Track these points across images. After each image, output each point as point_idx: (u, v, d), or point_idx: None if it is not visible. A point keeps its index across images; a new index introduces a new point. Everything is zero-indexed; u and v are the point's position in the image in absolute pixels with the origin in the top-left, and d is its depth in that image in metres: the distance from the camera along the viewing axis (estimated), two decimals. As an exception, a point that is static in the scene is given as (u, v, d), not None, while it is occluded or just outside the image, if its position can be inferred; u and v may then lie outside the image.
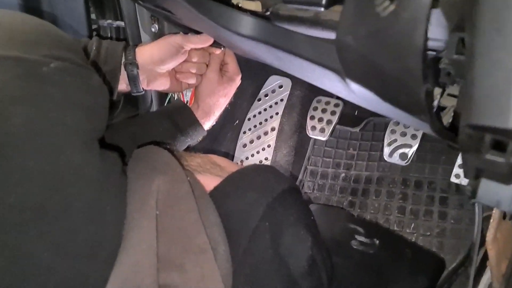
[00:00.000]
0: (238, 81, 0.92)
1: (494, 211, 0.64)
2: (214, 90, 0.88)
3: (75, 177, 0.43)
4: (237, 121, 1.25)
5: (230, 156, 1.23)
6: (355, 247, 0.86)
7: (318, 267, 0.57)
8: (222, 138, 1.24)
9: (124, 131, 0.81)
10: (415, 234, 1.00)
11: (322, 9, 0.57)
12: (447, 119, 0.51)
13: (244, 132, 1.23)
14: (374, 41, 0.38)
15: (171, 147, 0.63)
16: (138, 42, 1.05)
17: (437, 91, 0.51)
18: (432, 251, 0.87)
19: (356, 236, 0.89)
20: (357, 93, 0.49)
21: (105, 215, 0.47)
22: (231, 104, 1.20)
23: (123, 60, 0.83)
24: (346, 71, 0.47)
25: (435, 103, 0.47)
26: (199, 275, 0.47)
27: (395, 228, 1.02)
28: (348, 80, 0.48)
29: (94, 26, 1.17)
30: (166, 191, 0.51)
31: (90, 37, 1.13)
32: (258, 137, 1.22)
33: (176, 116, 0.84)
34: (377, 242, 0.87)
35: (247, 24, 0.63)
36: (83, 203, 0.44)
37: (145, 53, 0.85)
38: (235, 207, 0.56)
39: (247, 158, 1.22)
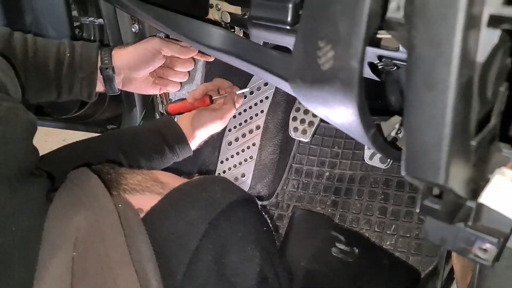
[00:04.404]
0: (227, 120, 0.94)
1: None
2: (206, 123, 0.89)
3: None
4: (222, 119, 1.24)
5: (215, 154, 1.23)
6: (335, 254, 0.87)
7: (269, 283, 0.56)
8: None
9: (114, 142, 0.80)
10: (395, 236, 1.00)
11: (288, 27, 0.57)
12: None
13: (230, 130, 1.23)
14: (318, 90, 0.37)
15: (107, 168, 0.61)
16: (118, 42, 1.03)
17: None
18: (408, 263, 0.88)
19: (337, 244, 0.89)
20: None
21: (11, 263, 0.44)
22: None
23: (99, 64, 0.82)
24: (299, 98, 0.46)
25: (392, 133, 0.47)
26: None
27: (376, 229, 1.03)
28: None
29: (76, 24, 1.15)
30: (88, 227, 0.48)
31: (73, 35, 1.12)
32: (243, 135, 1.22)
33: (166, 133, 0.84)
34: (357, 251, 0.88)
35: (212, 36, 0.62)
36: None
37: (122, 58, 0.85)
38: (172, 229, 0.52)
39: (232, 156, 1.22)
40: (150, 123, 0.92)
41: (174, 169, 0.89)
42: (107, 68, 0.82)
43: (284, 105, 1.19)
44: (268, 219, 0.65)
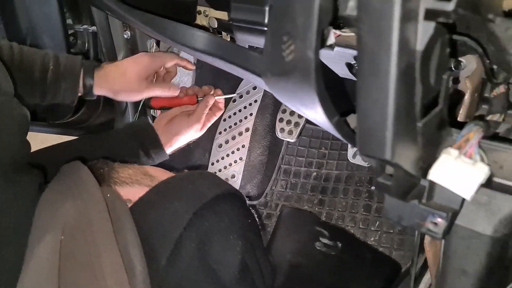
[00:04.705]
0: (206, 128, 0.92)
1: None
2: (184, 130, 0.87)
3: None
4: (212, 122, 1.28)
5: (206, 156, 1.27)
6: (318, 248, 0.90)
7: (250, 272, 0.58)
8: (199, 139, 1.27)
9: (89, 145, 0.82)
10: (379, 232, 1.04)
11: (265, 28, 0.61)
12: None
13: (220, 133, 1.27)
14: (284, 81, 0.41)
15: (101, 163, 0.64)
16: (111, 48, 1.08)
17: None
18: (389, 257, 0.92)
19: (321, 238, 0.93)
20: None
21: (3, 246, 0.47)
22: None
23: (81, 83, 0.81)
24: (272, 92, 0.50)
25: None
26: None
27: (361, 226, 1.06)
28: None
29: (71, 31, 1.19)
30: (76, 214, 0.51)
31: (67, 42, 1.16)
32: (233, 138, 1.26)
33: (143, 137, 0.84)
34: (340, 245, 0.92)
35: (196, 39, 0.66)
36: None
37: (104, 84, 0.82)
38: (158, 218, 0.55)
39: (222, 158, 1.26)
40: (128, 126, 0.91)
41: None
42: (89, 87, 0.82)
43: (272, 108, 1.24)
44: (255, 215, 0.68)
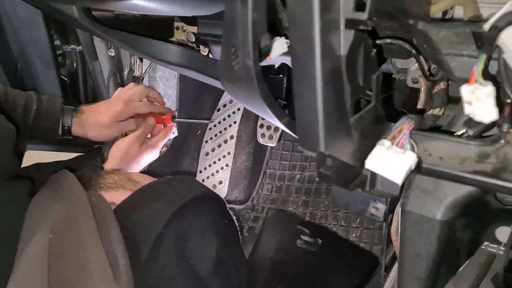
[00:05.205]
0: (154, 155, 0.94)
1: (397, 207, 0.72)
2: (138, 156, 0.90)
3: None
4: (199, 131, 1.33)
5: (194, 164, 1.31)
6: (299, 245, 0.95)
7: (225, 267, 0.63)
8: (187, 148, 1.32)
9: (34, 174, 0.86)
10: (360, 228, 1.08)
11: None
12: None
13: (206, 142, 1.32)
14: (236, 87, 0.46)
15: (90, 171, 0.70)
16: (96, 67, 1.13)
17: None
18: (368, 251, 0.96)
19: (302, 236, 0.97)
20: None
21: None
22: (194, 115, 1.29)
23: (60, 129, 0.88)
24: (231, 96, 0.55)
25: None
26: None
27: (343, 224, 1.11)
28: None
29: (59, 52, 1.25)
30: (64, 215, 0.56)
31: (56, 63, 1.21)
32: (219, 145, 1.31)
33: (86, 163, 0.88)
34: (320, 241, 0.96)
35: (167, 52, 0.72)
36: None
37: (79, 130, 0.89)
38: (139, 218, 0.60)
39: (209, 166, 1.31)
40: (79, 158, 0.95)
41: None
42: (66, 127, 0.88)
43: (254, 115, 1.29)
44: (233, 216, 0.73)
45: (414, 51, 0.50)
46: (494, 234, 0.58)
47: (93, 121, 0.90)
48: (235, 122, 1.30)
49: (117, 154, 0.89)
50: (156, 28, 0.96)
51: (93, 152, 0.94)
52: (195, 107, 1.28)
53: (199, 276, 0.60)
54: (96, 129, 0.89)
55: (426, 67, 0.54)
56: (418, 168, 0.44)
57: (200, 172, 1.31)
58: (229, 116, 1.31)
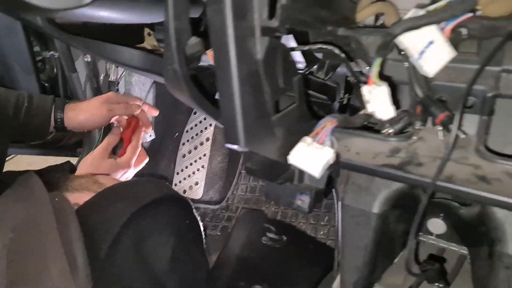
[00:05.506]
0: (129, 173, 0.91)
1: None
2: (94, 166, 0.87)
3: None
4: (177, 134, 1.37)
5: (171, 166, 1.35)
6: (264, 242, 0.98)
7: (181, 265, 0.67)
8: (165, 150, 1.36)
9: None
10: (328, 226, 1.12)
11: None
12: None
13: (183, 144, 1.36)
14: (173, 88, 0.49)
15: (58, 174, 0.73)
16: (72, 73, 1.17)
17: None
18: (329, 245, 0.99)
19: (268, 234, 1.01)
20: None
21: None
22: (171, 118, 1.33)
23: (52, 122, 0.89)
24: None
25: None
26: None
27: (312, 222, 1.14)
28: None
29: (39, 58, 1.29)
30: (25, 216, 0.60)
31: (36, 68, 1.25)
32: (195, 148, 1.34)
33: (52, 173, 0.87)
34: (285, 238, 1.00)
35: (128, 56, 0.76)
36: None
37: (73, 120, 0.90)
38: (100, 218, 0.63)
39: (186, 167, 1.34)
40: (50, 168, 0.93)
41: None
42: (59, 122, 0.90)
43: (229, 118, 1.32)
44: (198, 217, 0.77)
45: (343, 55, 0.54)
46: (426, 226, 0.61)
47: (84, 104, 0.91)
48: (210, 125, 1.33)
49: (84, 165, 0.89)
50: (126, 34, 1.00)
51: (64, 164, 0.95)
52: (172, 111, 1.32)
53: (155, 273, 0.63)
54: (87, 110, 0.90)
55: (359, 70, 0.57)
56: (338, 162, 0.48)
57: (178, 173, 1.34)
58: (204, 118, 1.35)
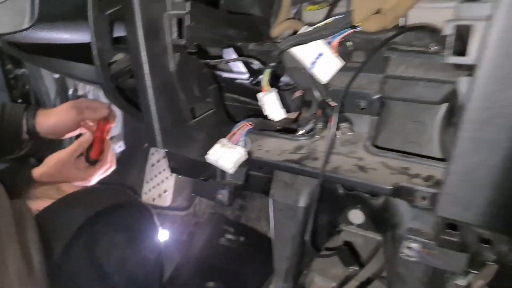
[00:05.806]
0: (107, 166, 0.91)
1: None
2: (59, 163, 0.86)
3: None
4: (146, 144, 1.42)
5: (141, 175, 1.41)
6: (222, 243, 1.04)
7: (132, 266, 0.73)
8: (134, 160, 1.42)
9: None
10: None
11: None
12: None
13: (152, 154, 1.41)
14: (105, 93, 0.56)
15: (23, 183, 0.79)
16: (42, 89, 1.23)
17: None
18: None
19: (226, 235, 1.07)
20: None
21: None
22: (140, 129, 1.39)
23: (25, 127, 0.90)
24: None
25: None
26: None
27: (272, 223, 1.20)
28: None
29: (11, 76, 1.34)
30: None
31: (8, 85, 1.30)
32: (164, 157, 1.40)
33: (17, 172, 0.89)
34: (242, 238, 1.06)
35: (81, 71, 0.82)
36: None
37: (44, 124, 0.91)
38: (56, 222, 0.69)
39: (155, 176, 1.40)
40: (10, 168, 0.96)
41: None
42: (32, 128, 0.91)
43: (195, 127, 1.39)
44: (156, 222, 0.82)
45: (262, 66, 0.61)
46: (347, 217, 0.68)
47: (55, 109, 0.92)
48: (177, 135, 1.39)
49: (50, 160, 0.89)
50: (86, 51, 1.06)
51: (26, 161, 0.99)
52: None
53: (106, 272, 0.69)
54: (58, 114, 0.90)
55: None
56: (250, 159, 0.55)
57: (147, 182, 1.40)
58: (172, 129, 1.41)
